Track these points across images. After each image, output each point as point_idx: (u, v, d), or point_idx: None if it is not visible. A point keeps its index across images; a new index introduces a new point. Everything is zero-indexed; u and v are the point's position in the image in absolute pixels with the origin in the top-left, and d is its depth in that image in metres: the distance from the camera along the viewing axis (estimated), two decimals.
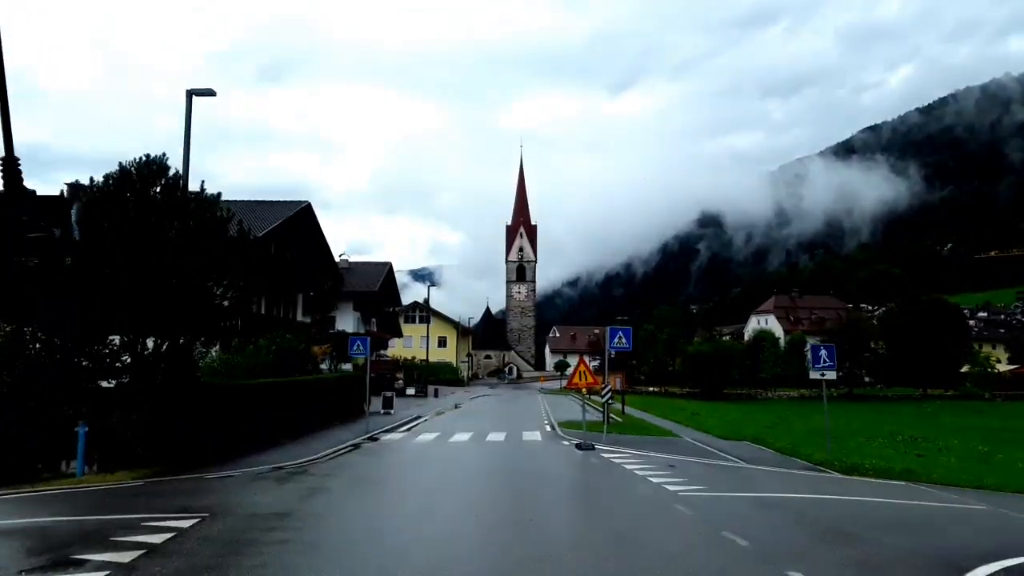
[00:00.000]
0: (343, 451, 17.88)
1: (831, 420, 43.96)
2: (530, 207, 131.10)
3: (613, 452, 17.24)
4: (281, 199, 39.77)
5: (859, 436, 33.15)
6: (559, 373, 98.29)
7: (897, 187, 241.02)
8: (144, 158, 16.18)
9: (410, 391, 54.78)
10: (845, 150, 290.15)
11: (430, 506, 10.45)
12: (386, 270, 62.52)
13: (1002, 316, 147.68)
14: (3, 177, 8.29)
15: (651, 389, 72.03)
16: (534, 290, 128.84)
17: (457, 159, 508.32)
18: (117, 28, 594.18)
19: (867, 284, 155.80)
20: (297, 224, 39.58)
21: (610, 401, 20.12)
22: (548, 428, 25.54)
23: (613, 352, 20.10)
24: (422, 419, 31.01)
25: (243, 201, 39.40)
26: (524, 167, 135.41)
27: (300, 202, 39.23)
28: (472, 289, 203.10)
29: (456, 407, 42.52)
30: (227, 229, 17.38)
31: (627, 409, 32.73)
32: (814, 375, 18.52)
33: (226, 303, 17.11)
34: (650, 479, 12.66)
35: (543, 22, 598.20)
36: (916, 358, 70.23)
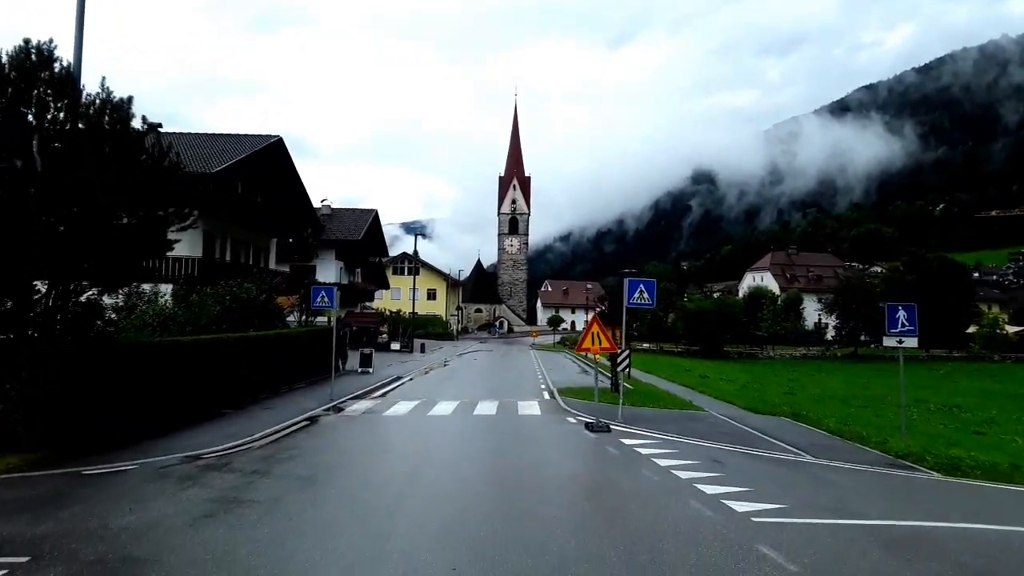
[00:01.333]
0: (292, 428, 14.21)
1: (847, 383, 41.05)
2: (524, 161, 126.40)
3: (635, 436, 13.64)
4: (250, 133, 35.42)
5: (888, 404, 29.97)
6: (552, 328, 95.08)
7: (891, 146, 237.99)
8: (23, 44, 12.13)
9: (395, 346, 51.19)
10: (840, 109, 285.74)
11: (384, 539, 6.83)
12: (371, 217, 58.38)
13: (994, 276, 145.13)
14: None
15: (646, 346, 68.75)
16: (527, 243, 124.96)
17: (452, 112, 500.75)
18: None
19: (859, 243, 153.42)
20: (266, 161, 35.40)
21: (626, 370, 16.45)
22: (547, 395, 21.92)
23: (629, 307, 16.32)
24: (402, 380, 27.43)
25: (206, 134, 35.26)
26: (519, 118, 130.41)
27: (269, 136, 34.90)
28: (464, 243, 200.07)
29: (444, 364, 39.02)
30: (142, 142, 13.45)
31: (632, 372, 29.26)
32: (889, 341, 14.94)
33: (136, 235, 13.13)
34: (700, 488, 9.06)
35: None
36: (921, 318, 67.28)
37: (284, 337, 22.53)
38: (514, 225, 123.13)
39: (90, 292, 13.39)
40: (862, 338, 71.34)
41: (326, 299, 19.35)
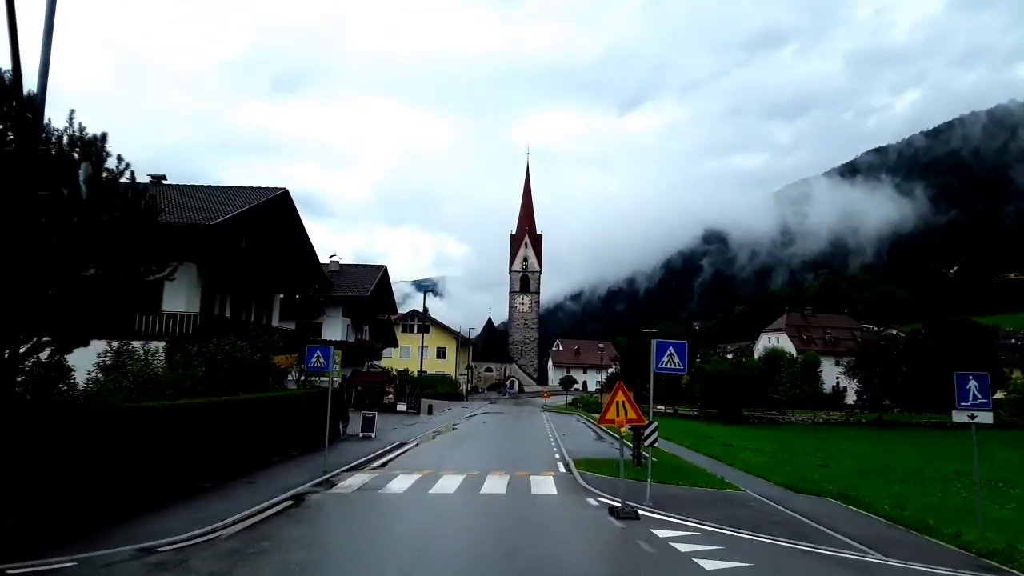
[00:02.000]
0: (273, 510, 12.41)
1: (878, 453, 38.71)
2: (536, 218, 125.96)
3: (669, 525, 11.73)
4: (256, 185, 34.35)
5: (927, 478, 27.73)
6: (563, 389, 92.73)
7: (902, 208, 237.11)
8: None
9: (401, 407, 49.16)
10: (850, 171, 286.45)
11: None
12: (380, 274, 57.20)
13: (1012, 340, 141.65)
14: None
15: (660, 408, 66.33)
16: (538, 301, 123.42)
17: (464, 172, 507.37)
18: (130, 31, 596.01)
19: (873, 305, 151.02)
20: (272, 215, 34.31)
21: (654, 443, 14.51)
22: (562, 467, 20.00)
23: (657, 374, 14.56)
24: (406, 447, 25.56)
25: (210, 186, 34.29)
26: (530, 176, 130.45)
27: (275, 188, 33.82)
28: (475, 301, 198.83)
29: (453, 428, 37.10)
30: (115, 186, 12.04)
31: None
32: (960, 416, 13.07)
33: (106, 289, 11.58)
34: None
35: (555, 39, 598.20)
36: (945, 382, 64.69)
37: (277, 400, 20.81)
38: (525, 283, 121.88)
39: (49, 351, 11.88)
40: (884, 403, 68.79)
41: (322, 359, 17.72)
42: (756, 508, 14.25)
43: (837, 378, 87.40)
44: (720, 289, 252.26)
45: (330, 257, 56.90)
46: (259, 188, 33.52)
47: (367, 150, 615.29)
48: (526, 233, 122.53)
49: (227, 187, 33.53)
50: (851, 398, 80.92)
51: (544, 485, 16.08)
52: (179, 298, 28.06)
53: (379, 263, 60.07)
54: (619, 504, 12.53)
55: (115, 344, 21.40)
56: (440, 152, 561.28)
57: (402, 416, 44.22)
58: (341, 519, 12.09)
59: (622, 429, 13.41)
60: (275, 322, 38.97)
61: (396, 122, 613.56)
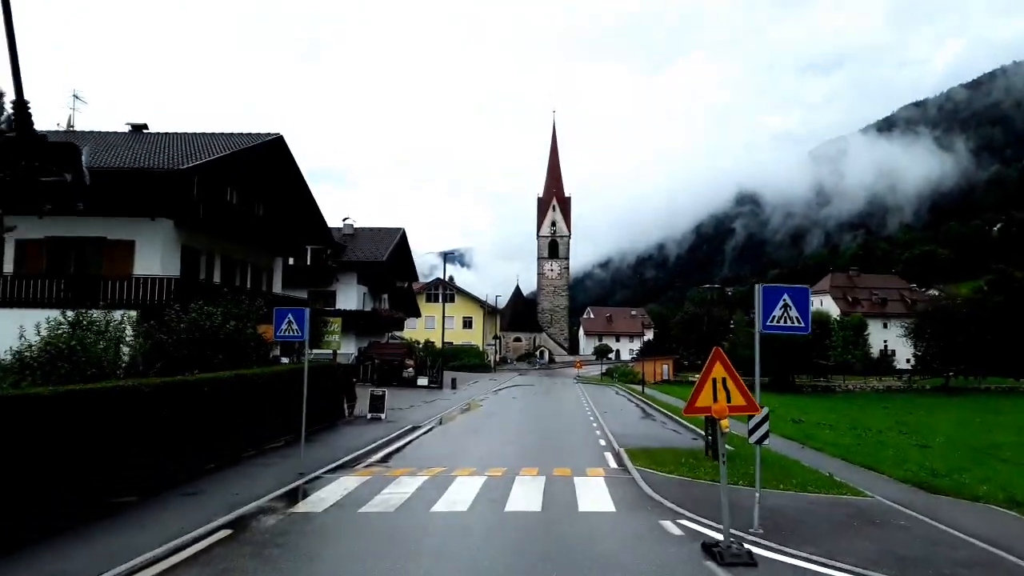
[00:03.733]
0: (193, 549, 8.08)
1: (961, 424, 33.67)
2: (563, 181, 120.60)
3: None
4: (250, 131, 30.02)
5: None
6: (597, 359, 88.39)
7: (943, 164, 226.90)
8: None
9: (422, 381, 45.14)
10: (887, 127, 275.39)
11: None
12: (398, 237, 52.97)
13: None
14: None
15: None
16: (567, 268, 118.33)
17: (492, 140, 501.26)
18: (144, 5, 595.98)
19: (913, 265, 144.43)
20: (264, 165, 30.06)
21: (765, 440, 9.93)
22: (612, 460, 15.55)
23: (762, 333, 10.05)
24: (420, 431, 21.38)
25: (191, 133, 30.16)
26: (557, 138, 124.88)
27: (265, 134, 29.42)
28: (503, 270, 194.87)
29: (478, 405, 33.06)
30: None
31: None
32: None
33: None
34: None
35: None
36: (1013, 344, 59.35)
37: (250, 379, 16.48)
38: (554, 248, 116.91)
39: None
40: (946, 367, 63.54)
41: (294, 325, 13.39)
42: (912, 530, 9.60)
43: (885, 341, 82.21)
44: (753, 253, 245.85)
45: (343, 220, 52.90)
46: (247, 134, 29.22)
47: (390, 121, 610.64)
48: (554, 196, 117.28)
49: (212, 133, 29.26)
50: (901, 362, 76.04)
51: (594, 493, 11.55)
52: (152, 259, 24.04)
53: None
54: (720, 538, 8.08)
55: (70, 314, 17.48)
56: (467, 120, 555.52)
57: (422, 391, 40.19)
58: (286, 571, 7.65)
59: (723, 422, 8.84)
60: (277, 289, 34.96)
61: (421, 89, 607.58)
